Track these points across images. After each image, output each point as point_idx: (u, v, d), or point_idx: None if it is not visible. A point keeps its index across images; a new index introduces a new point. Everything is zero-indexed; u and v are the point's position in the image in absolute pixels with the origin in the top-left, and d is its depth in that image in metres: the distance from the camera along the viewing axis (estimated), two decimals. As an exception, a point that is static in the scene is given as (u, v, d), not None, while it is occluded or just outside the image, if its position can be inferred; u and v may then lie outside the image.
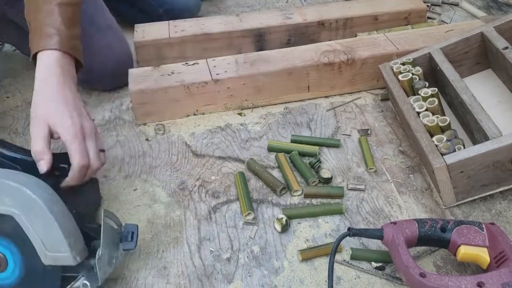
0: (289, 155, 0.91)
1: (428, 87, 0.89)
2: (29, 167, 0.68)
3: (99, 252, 0.62)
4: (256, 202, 0.83)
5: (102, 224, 0.64)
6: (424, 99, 0.87)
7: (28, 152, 0.71)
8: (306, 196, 0.83)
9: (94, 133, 0.73)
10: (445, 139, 0.79)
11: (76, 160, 0.69)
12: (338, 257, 0.74)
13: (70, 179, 0.70)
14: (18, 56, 1.23)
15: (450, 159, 0.75)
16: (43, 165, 0.69)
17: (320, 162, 0.89)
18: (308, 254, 0.74)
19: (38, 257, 0.61)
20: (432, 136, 0.81)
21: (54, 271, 0.63)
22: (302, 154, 0.91)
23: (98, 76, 1.06)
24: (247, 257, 0.75)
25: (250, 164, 0.89)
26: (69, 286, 0.63)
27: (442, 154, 0.77)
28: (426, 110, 0.85)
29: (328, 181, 0.86)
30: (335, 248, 0.67)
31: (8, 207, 0.60)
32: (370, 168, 0.88)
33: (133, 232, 0.69)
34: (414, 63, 0.95)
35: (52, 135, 0.71)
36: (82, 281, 0.63)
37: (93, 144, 0.72)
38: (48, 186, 0.63)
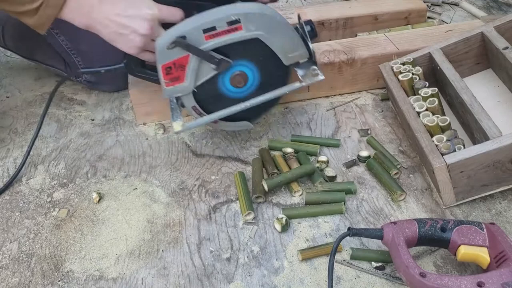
0: (296, 154, 0.91)
1: (428, 87, 0.89)
2: (223, 0, 0.79)
3: (311, 46, 0.83)
4: (255, 203, 0.83)
5: (305, 29, 0.83)
6: (424, 99, 0.87)
7: None
8: (308, 203, 0.83)
9: None
10: (445, 139, 0.79)
11: None
12: (338, 257, 0.74)
13: None
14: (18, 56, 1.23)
15: (450, 159, 0.75)
16: None
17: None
18: (308, 254, 0.74)
19: (271, 66, 0.82)
20: (432, 136, 0.81)
21: (283, 72, 0.85)
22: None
23: (106, 77, 1.06)
24: (247, 257, 0.75)
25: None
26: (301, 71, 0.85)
27: (442, 154, 0.77)
28: (426, 110, 0.85)
29: (332, 179, 0.86)
30: (335, 248, 0.67)
31: (255, 31, 0.77)
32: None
33: (311, 25, 0.85)
34: (414, 63, 0.95)
35: None
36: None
37: None
38: (271, 7, 0.78)
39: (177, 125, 0.83)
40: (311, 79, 0.85)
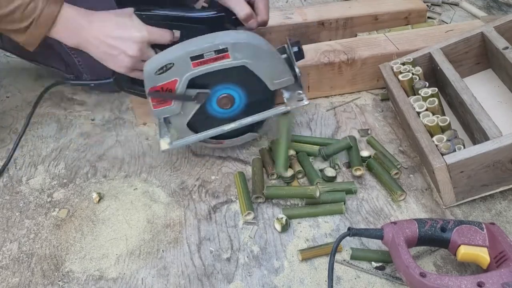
0: (296, 155, 0.91)
1: (428, 87, 0.89)
2: (213, 23, 0.84)
3: (297, 70, 0.83)
4: (255, 203, 0.83)
5: (291, 51, 0.85)
6: (424, 99, 0.87)
7: (198, 10, 0.86)
8: (308, 203, 0.83)
9: None
10: (445, 139, 0.79)
11: (265, 14, 0.88)
12: (338, 257, 0.74)
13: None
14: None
15: (450, 159, 0.75)
16: (253, 24, 0.87)
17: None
18: (308, 254, 0.74)
19: (257, 90, 0.83)
20: (432, 136, 0.81)
21: (268, 96, 0.85)
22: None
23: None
24: (247, 257, 0.75)
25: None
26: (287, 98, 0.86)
27: (442, 154, 0.77)
28: (426, 110, 0.85)
29: (332, 179, 0.86)
30: (335, 248, 0.67)
31: (241, 59, 0.78)
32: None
33: (299, 46, 0.86)
34: (414, 63, 0.95)
35: None
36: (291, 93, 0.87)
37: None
38: (258, 35, 0.80)
39: (164, 143, 0.85)
40: (296, 103, 0.86)
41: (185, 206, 0.84)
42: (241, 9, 0.84)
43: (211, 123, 0.86)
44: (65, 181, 0.89)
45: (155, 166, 0.92)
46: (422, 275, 0.62)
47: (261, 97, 0.85)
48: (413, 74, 0.92)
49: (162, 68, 0.77)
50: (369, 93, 1.09)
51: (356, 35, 1.22)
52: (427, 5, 1.33)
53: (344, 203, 0.81)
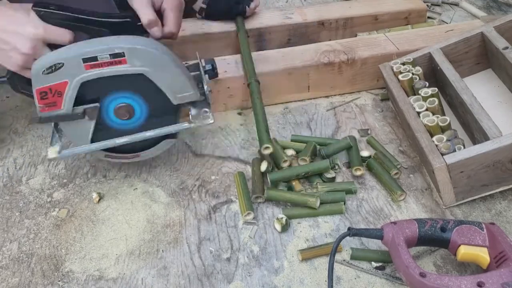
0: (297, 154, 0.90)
1: (428, 87, 0.89)
2: (117, 28, 0.77)
3: (206, 87, 0.81)
4: (255, 203, 0.83)
5: (203, 68, 0.83)
6: (424, 99, 0.87)
7: (104, 14, 0.78)
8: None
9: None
10: (445, 139, 0.79)
11: (174, 25, 0.82)
12: (338, 257, 0.74)
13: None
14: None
15: (450, 159, 0.75)
16: (157, 32, 0.80)
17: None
18: (308, 254, 0.74)
19: (159, 102, 0.78)
20: (432, 136, 0.81)
21: (171, 109, 0.80)
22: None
23: None
24: (247, 257, 0.75)
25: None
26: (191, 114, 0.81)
27: (442, 154, 0.77)
28: (426, 110, 0.85)
29: (331, 180, 0.86)
30: (335, 248, 0.67)
31: (140, 67, 0.73)
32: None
33: (212, 64, 0.85)
34: (414, 63, 0.95)
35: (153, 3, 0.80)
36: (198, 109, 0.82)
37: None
38: (162, 45, 0.76)
39: (52, 151, 0.79)
40: (201, 121, 0.81)
41: (185, 206, 0.84)
42: (144, 14, 0.78)
43: (111, 134, 0.80)
44: (65, 181, 0.89)
45: (155, 166, 0.92)
46: (422, 275, 0.62)
47: (164, 110, 0.80)
48: (413, 74, 0.92)
49: (51, 67, 0.71)
50: (369, 93, 1.09)
51: (356, 35, 1.22)
52: (427, 5, 1.33)
53: (344, 203, 0.81)
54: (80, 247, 0.78)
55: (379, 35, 1.12)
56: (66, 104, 0.75)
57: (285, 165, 0.85)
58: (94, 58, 0.72)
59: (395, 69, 0.96)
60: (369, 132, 0.97)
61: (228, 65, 1.02)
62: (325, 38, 1.21)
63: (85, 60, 0.72)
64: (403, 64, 0.96)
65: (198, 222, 0.81)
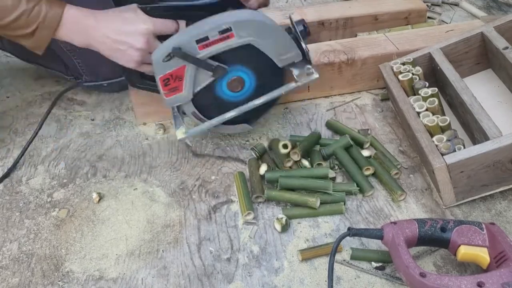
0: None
1: (428, 87, 0.89)
2: (216, 9, 0.82)
3: (304, 45, 0.84)
4: (256, 203, 0.83)
5: (297, 29, 0.85)
6: (424, 99, 0.87)
7: None
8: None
9: None
10: (445, 139, 0.79)
11: None
12: (338, 257, 0.74)
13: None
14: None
15: (450, 159, 0.75)
16: (254, 2, 0.86)
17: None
18: (308, 254, 0.74)
19: (266, 69, 0.84)
20: (432, 136, 0.81)
21: (278, 73, 0.86)
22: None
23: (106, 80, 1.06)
24: (247, 257, 0.75)
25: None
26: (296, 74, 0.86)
27: (442, 154, 0.77)
28: (426, 110, 0.85)
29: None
30: (335, 248, 0.67)
31: (247, 37, 0.79)
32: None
33: (303, 24, 0.86)
34: (414, 63, 0.95)
35: None
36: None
37: None
38: (262, 13, 0.82)
39: (179, 132, 0.86)
40: (306, 78, 0.86)
41: (185, 206, 0.84)
42: None
43: (222, 108, 0.86)
44: (65, 181, 0.89)
45: (155, 166, 0.92)
46: (422, 275, 0.62)
47: (271, 76, 0.86)
48: (413, 74, 0.92)
49: (169, 54, 0.77)
50: (369, 93, 1.09)
51: (356, 35, 1.22)
52: (427, 5, 1.33)
53: (344, 203, 0.81)
54: (80, 247, 0.78)
55: (379, 35, 1.12)
56: (187, 87, 0.82)
57: (288, 164, 0.86)
58: (206, 38, 0.77)
59: (395, 69, 0.96)
60: (369, 132, 0.97)
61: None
62: (325, 38, 1.21)
63: (198, 41, 0.77)
64: (403, 64, 0.96)
65: (198, 222, 0.81)
